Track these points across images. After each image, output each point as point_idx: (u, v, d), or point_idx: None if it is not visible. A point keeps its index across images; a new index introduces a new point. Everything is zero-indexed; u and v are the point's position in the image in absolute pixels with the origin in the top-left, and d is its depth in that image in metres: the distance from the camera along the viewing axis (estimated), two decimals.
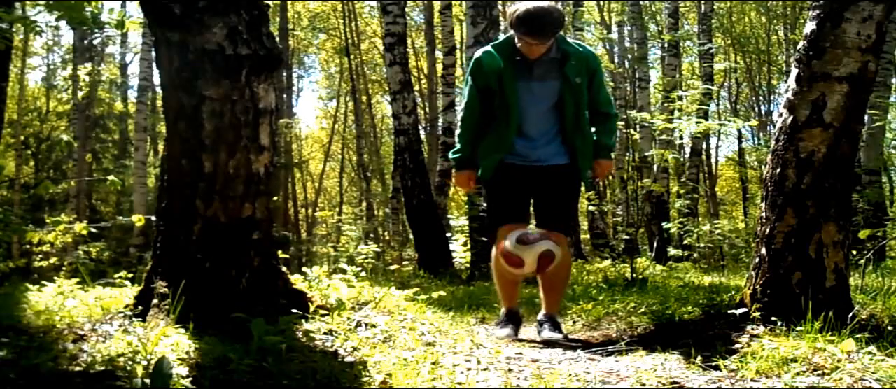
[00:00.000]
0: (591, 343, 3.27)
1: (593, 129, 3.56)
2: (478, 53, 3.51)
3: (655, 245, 9.86)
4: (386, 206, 16.71)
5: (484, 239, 7.93)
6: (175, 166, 2.64)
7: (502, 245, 3.25)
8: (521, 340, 3.38)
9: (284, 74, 19.72)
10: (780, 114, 3.07)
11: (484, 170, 3.49)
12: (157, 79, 6.21)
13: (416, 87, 17.24)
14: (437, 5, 13.87)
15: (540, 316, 3.56)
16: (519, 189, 3.44)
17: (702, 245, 10.49)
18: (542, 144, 3.41)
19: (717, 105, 20.25)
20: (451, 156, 3.66)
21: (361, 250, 9.74)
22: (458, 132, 3.62)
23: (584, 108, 3.45)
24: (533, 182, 3.42)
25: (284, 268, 2.83)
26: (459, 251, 8.88)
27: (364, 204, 21.50)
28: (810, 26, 2.96)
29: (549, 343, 3.27)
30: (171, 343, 2.15)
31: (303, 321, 2.56)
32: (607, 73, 16.92)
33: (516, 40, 3.33)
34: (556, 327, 3.46)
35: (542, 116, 3.40)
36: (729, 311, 3.12)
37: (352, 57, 19.59)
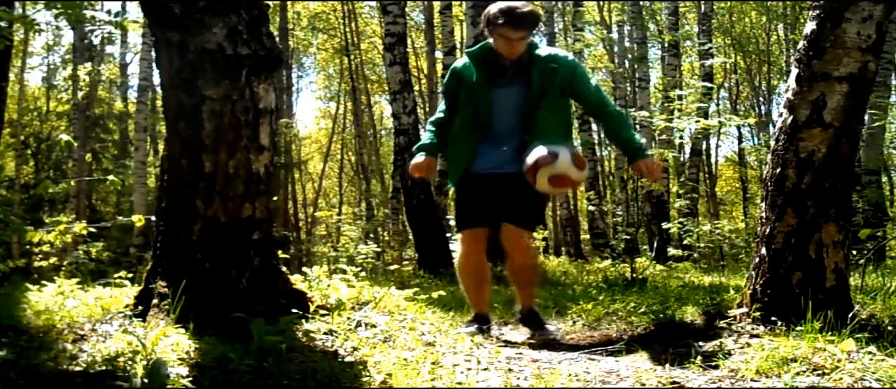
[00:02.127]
0: (591, 343, 3.27)
1: (611, 134, 3.55)
2: (455, 63, 3.59)
3: (655, 245, 9.86)
4: (386, 206, 16.70)
5: None
6: (175, 166, 2.64)
7: (541, 159, 3.18)
8: (506, 340, 3.39)
9: (284, 74, 19.72)
10: (780, 114, 3.07)
11: (452, 177, 3.56)
12: (157, 79, 6.22)
13: (416, 87, 17.23)
14: (437, 5, 13.86)
15: (519, 311, 3.61)
16: (483, 195, 3.42)
17: (702, 245, 10.50)
18: (507, 150, 3.37)
19: (717, 105, 20.26)
20: (414, 149, 3.61)
21: (361, 250, 9.73)
22: (429, 122, 3.66)
23: (556, 113, 3.39)
24: (497, 188, 3.40)
25: (284, 268, 2.83)
26: (456, 253, 8.87)
27: (364, 204, 21.50)
28: (810, 26, 2.96)
29: (546, 344, 3.28)
30: (171, 343, 2.15)
31: (303, 321, 2.56)
32: (607, 73, 16.95)
33: (494, 41, 3.34)
34: (538, 322, 3.52)
35: (511, 122, 3.39)
36: (729, 311, 3.12)
37: (351, 57, 19.59)
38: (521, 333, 3.60)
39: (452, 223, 9.75)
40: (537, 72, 3.36)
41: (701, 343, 2.79)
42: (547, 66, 3.37)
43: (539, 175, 3.16)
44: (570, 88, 3.42)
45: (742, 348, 2.61)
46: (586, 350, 2.97)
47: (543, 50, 3.47)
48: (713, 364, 2.44)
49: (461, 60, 3.55)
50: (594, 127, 16.73)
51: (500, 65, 3.39)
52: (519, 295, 3.62)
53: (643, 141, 3.74)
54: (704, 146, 17.77)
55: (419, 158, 3.49)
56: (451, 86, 3.54)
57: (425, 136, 3.61)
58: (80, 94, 15.00)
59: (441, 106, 3.64)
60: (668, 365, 2.46)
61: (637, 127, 10.46)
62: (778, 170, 2.98)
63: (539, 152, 3.18)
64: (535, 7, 3.32)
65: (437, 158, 3.67)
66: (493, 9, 3.29)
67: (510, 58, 3.36)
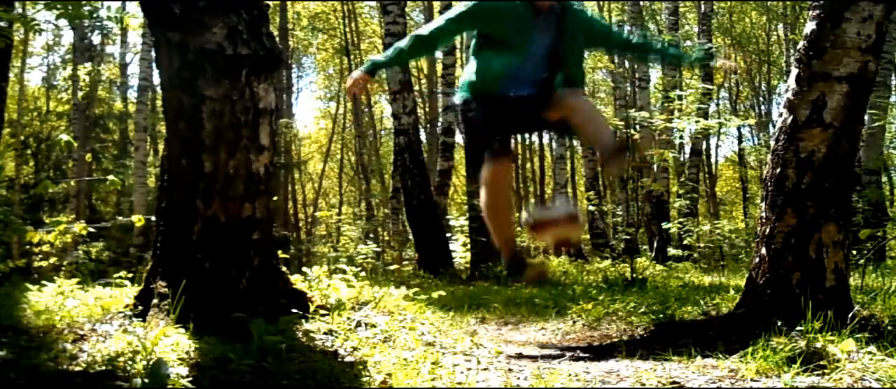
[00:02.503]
0: (591, 343, 3.27)
1: (653, 51, 3.62)
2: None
3: (655, 245, 9.86)
4: (386, 206, 16.71)
5: (483, 239, 7.94)
6: (175, 166, 2.64)
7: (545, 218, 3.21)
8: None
9: (284, 74, 19.71)
10: (780, 114, 3.07)
11: (479, 90, 3.29)
12: (157, 79, 6.21)
13: (416, 87, 17.23)
14: (437, 5, 13.87)
15: (609, 147, 3.26)
16: (504, 122, 3.29)
17: (702, 245, 10.50)
18: (528, 86, 3.30)
19: (717, 105, 20.25)
20: (370, 60, 3.41)
21: (361, 250, 9.74)
22: (400, 46, 3.39)
23: (578, 65, 3.39)
24: (517, 112, 3.31)
25: (284, 268, 2.83)
26: (459, 251, 8.89)
27: (364, 204, 21.50)
28: (810, 26, 2.96)
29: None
30: (171, 343, 2.15)
31: (303, 321, 2.56)
32: (607, 73, 16.95)
33: None
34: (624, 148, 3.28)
35: (536, 68, 3.30)
36: (729, 311, 3.12)
37: (352, 57, 19.58)
38: (522, 333, 3.60)
39: (452, 223, 9.78)
40: (568, 23, 3.29)
41: (701, 343, 2.78)
42: (574, 17, 3.33)
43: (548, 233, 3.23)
44: (592, 29, 3.42)
45: (742, 348, 2.61)
46: (586, 351, 2.97)
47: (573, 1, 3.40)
48: (713, 364, 2.44)
49: None
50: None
51: (538, 8, 3.26)
52: (596, 136, 3.30)
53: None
54: (704, 146, 17.77)
55: (365, 76, 3.30)
56: (486, 15, 3.30)
57: (389, 55, 3.40)
58: (79, 94, 15.00)
59: (436, 26, 3.38)
60: (668, 365, 2.46)
61: (638, 126, 10.46)
62: (778, 170, 2.98)
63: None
64: None
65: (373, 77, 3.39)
66: None
67: (544, 5, 3.24)
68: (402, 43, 3.39)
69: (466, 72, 3.41)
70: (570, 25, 3.31)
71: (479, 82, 3.31)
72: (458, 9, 3.35)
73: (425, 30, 3.40)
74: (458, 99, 3.39)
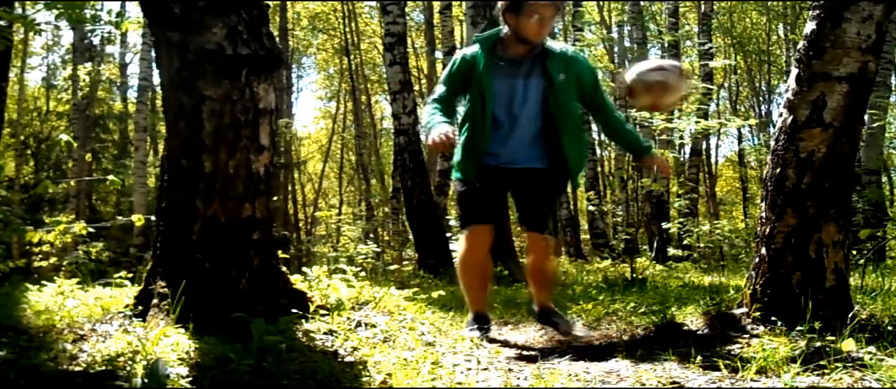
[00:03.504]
0: (591, 343, 3.27)
1: (616, 134, 3.54)
2: (464, 50, 3.41)
3: (655, 245, 9.86)
4: (386, 206, 16.71)
5: None
6: (175, 166, 2.64)
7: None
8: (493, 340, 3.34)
9: (284, 74, 19.72)
10: (780, 114, 3.07)
11: (465, 172, 3.31)
12: (157, 79, 6.21)
13: (416, 87, 17.24)
14: (437, 5, 13.87)
15: (538, 309, 3.48)
16: (494, 190, 3.30)
17: (702, 245, 10.50)
18: (520, 146, 3.25)
19: (717, 105, 20.25)
20: (426, 123, 3.27)
21: (361, 250, 9.74)
22: (430, 104, 3.36)
23: (573, 111, 3.30)
24: (510, 184, 3.31)
25: (284, 268, 2.83)
26: (458, 250, 8.87)
27: (364, 204, 21.50)
28: (810, 26, 2.96)
29: (575, 338, 3.25)
30: (171, 343, 2.15)
31: (303, 321, 2.56)
32: (607, 73, 16.92)
33: (521, 23, 3.15)
34: (558, 316, 3.43)
35: (525, 117, 3.23)
36: (729, 311, 3.12)
37: (351, 57, 19.59)
38: (522, 333, 3.60)
39: (453, 223, 9.77)
40: (557, 65, 3.21)
41: (701, 343, 2.78)
42: (565, 60, 3.25)
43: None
44: (582, 84, 3.30)
45: (742, 348, 2.61)
46: (586, 351, 2.97)
47: (552, 44, 3.34)
48: (713, 364, 2.44)
49: (471, 48, 3.36)
50: (594, 127, 16.65)
51: (510, 56, 3.23)
52: (537, 294, 3.47)
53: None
54: (704, 146, 17.77)
55: (441, 130, 3.08)
56: (462, 69, 3.30)
57: (435, 112, 3.26)
58: (79, 94, 14.99)
59: (441, 89, 3.38)
60: (668, 365, 2.46)
61: (637, 127, 10.46)
62: (778, 170, 2.98)
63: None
64: None
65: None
66: None
67: (535, 41, 3.18)
68: (437, 107, 3.31)
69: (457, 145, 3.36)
70: (561, 67, 3.21)
71: (461, 161, 3.34)
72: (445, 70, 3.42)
73: (438, 94, 3.38)
74: (454, 178, 3.46)
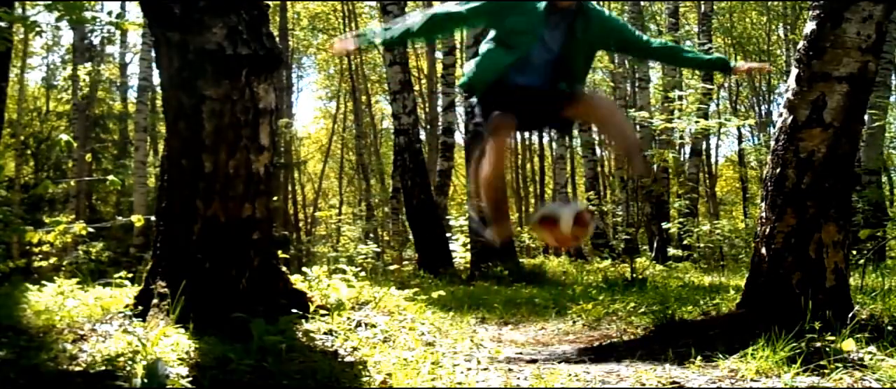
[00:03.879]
0: (591, 343, 3.27)
1: (688, 58, 3.52)
2: None
3: (655, 245, 9.86)
4: (386, 206, 16.71)
5: (483, 239, 7.93)
6: (175, 166, 2.64)
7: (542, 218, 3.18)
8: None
9: (284, 74, 19.71)
10: (780, 114, 3.07)
11: (480, 80, 3.31)
12: (157, 79, 6.21)
13: (416, 87, 17.23)
14: (436, 5, 13.85)
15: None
16: (515, 95, 3.25)
17: (702, 245, 10.49)
18: (537, 76, 3.27)
19: (717, 105, 20.25)
20: (370, 31, 3.35)
21: (361, 250, 9.74)
22: (410, 25, 3.31)
23: (588, 63, 3.36)
24: (536, 99, 3.28)
25: (284, 268, 2.83)
26: (459, 251, 8.89)
27: (364, 204, 21.50)
28: (810, 26, 2.96)
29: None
30: (171, 343, 2.15)
31: (303, 321, 2.56)
32: (607, 73, 16.96)
33: None
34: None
35: (545, 65, 3.27)
36: (729, 311, 3.12)
37: (351, 57, 19.57)
38: (522, 333, 3.60)
39: (452, 223, 9.79)
40: (579, 22, 3.24)
41: (701, 343, 2.78)
42: (592, 19, 3.28)
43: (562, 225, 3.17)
44: (623, 37, 3.35)
45: (742, 348, 2.61)
46: (586, 351, 2.97)
47: (591, 4, 3.35)
48: (713, 364, 2.44)
49: None
50: (594, 127, 16.56)
51: (555, 7, 3.23)
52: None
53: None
54: (704, 146, 17.78)
55: (354, 43, 3.32)
56: (501, 5, 3.27)
57: (397, 31, 3.31)
58: (79, 94, 14.99)
59: (456, 9, 3.31)
60: (668, 365, 2.46)
61: (638, 126, 10.46)
62: (778, 170, 2.98)
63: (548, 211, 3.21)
64: None
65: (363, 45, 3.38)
66: None
67: (563, 5, 3.19)
68: (413, 21, 3.29)
69: (470, 63, 3.39)
70: (585, 27, 3.24)
71: (480, 71, 3.29)
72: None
73: (441, 9, 3.32)
74: (458, 86, 3.37)
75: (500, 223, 3.35)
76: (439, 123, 12.88)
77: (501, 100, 3.24)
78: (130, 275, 3.59)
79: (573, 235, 3.14)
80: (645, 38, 3.45)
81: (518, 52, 3.25)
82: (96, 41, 18.02)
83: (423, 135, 14.67)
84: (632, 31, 3.45)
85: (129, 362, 2.02)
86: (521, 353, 2.87)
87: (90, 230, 5.04)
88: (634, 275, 5.62)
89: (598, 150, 17.77)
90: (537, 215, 3.25)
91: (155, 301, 2.56)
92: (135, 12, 16.46)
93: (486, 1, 3.29)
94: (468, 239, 8.45)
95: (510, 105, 3.25)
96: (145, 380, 1.88)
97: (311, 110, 58.45)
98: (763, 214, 3.05)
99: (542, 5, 3.26)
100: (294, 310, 2.60)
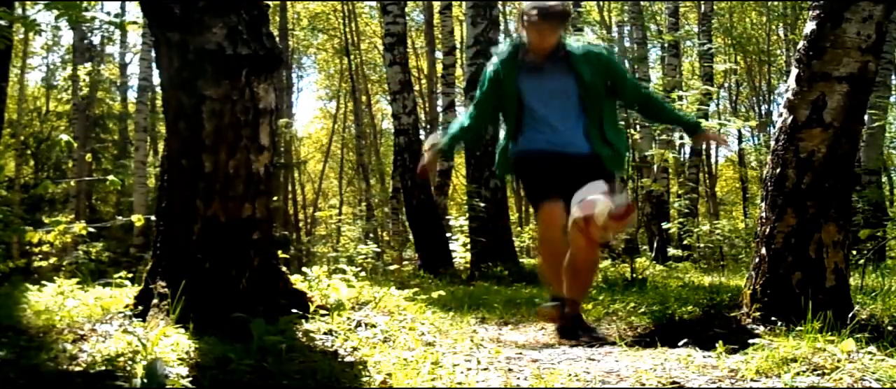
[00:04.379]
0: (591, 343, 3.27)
1: (662, 116, 3.74)
2: (488, 65, 3.62)
3: (655, 245, 9.86)
4: (386, 206, 16.71)
5: (483, 239, 7.94)
6: (175, 166, 2.64)
7: (576, 217, 3.21)
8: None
9: (284, 74, 19.72)
10: (780, 114, 3.07)
11: (499, 168, 3.66)
12: (157, 79, 6.21)
13: (416, 87, 17.23)
14: (436, 5, 13.86)
15: (564, 314, 3.40)
16: (551, 169, 3.38)
17: (702, 245, 10.49)
18: (562, 132, 3.41)
19: (717, 105, 20.25)
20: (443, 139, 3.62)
21: (361, 250, 9.74)
22: (453, 126, 3.70)
23: (606, 106, 3.47)
24: (557, 166, 3.38)
25: (284, 268, 2.83)
26: (459, 251, 8.88)
27: (364, 204, 21.50)
28: (810, 26, 2.96)
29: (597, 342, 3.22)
30: (171, 343, 2.15)
31: (303, 321, 2.56)
32: None
33: (527, 35, 3.40)
34: (585, 326, 3.41)
35: (561, 110, 3.43)
36: (729, 311, 3.12)
37: (352, 57, 19.58)
38: (522, 333, 3.59)
39: (452, 223, 9.79)
40: (577, 61, 3.42)
41: (701, 344, 2.78)
42: (586, 56, 3.45)
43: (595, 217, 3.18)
44: (611, 78, 3.48)
45: (742, 348, 2.61)
46: (586, 351, 2.96)
47: (575, 44, 3.57)
48: (713, 364, 2.44)
49: (491, 63, 3.60)
50: None
51: (530, 61, 3.46)
52: (570, 287, 3.40)
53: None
54: (704, 146, 17.75)
55: (425, 158, 3.59)
56: (488, 88, 3.54)
57: (447, 138, 3.62)
58: (79, 94, 14.99)
59: (469, 111, 3.67)
60: (667, 365, 2.46)
61: (637, 126, 10.47)
62: (778, 170, 2.98)
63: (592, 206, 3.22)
64: (566, 5, 3.45)
65: (438, 160, 3.77)
66: (525, 4, 3.39)
67: (541, 50, 3.41)
68: (451, 134, 3.64)
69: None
70: (587, 64, 3.42)
71: (500, 161, 3.64)
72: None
73: (464, 119, 3.67)
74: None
75: (558, 284, 3.44)
76: (439, 123, 12.88)
77: (537, 172, 3.46)
78: (130, 275, 3.59)
79: (604, 226, 3.15)
80: (636, 84, 3.65)
81: (516, 118, 3.49)
82: (96, 41, 18.02)
83: (423, 135, 14.66)
84: (626, 72, 3.67)
85: (129, 362, 2.02)
86: (521, 353, 2.87)
87: (90, 230, 5.04)
88: (634, 275, 5.62)
89: None
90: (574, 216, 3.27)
91: (155, 301, 2.57)
92: (135, 12, 16.48)
93: (480, 93, 3.59)
94: (468, 239, 8.45)
95: (547, 174, 3.42)
96: (145, 380, 1.88)
97: (311, 110, 58.49)
98: (763, 214, 3.05)
99: (497, 64, 3.52)
100: (294, 310, 2.60)
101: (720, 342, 2.73)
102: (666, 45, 13.39)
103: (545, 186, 3.38)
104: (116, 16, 5.07)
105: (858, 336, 2.53)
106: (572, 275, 3.36)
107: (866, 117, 6.04)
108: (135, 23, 5.54)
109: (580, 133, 3.40)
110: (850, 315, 2.81)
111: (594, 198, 3.13)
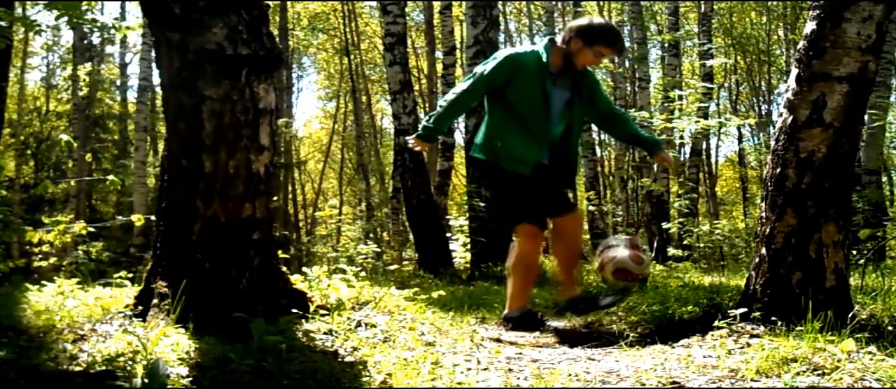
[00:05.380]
0: (591, 343, 3.27)
1: (630, 137, 4.00)
2: (512, 51, 3.71)
3: (655, 245, 9.86)
4: (386, 206, 16.71)
5: (483, 239, 7.94)
6: (175, 166, 2.64)
7: (604, 257, 3.55)
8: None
9: (284, 74, 19.72)
10: (780, 114, 3.07)
11: (521, 166, 3.58)
12: (157, 79, 6.20)
13: (416, 87, 17.24)
14: (437, 5, 13.86)
15: (568, 300, 3.79)
16: (547, 189, 3.63)
17: (702, 245, 10.49)
18: (555, 145, 3.67)
19: (717, 105, 20.24)
20: (423, 123, 3.73)
21: (361, 250, 9.73)
22: (441, 106, 3.69)
23: (580, 117, 3.74)
24: (552, 180, 3.66)
25: (284, 268, 2.83)
26: (459, 251, 8.88)
27: (364, 204, 21.50)
28: (810, 26, 2.96)
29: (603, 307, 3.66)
30: (171, 343, 2.15)
31: (303, 321, 2.56)
32: (607, 73, 16.97)
33: (581, 52, 3.55)
34: (591, 299, 3.80)
35: (561, 121, 3.66)
36: (729, 311, 3.12)
37: (352, 57, 19.58)
38: (521, 334, 3.59)
39: (452, 223, 9.79)
40: (585, 82, 3.69)
41: (701, 343, 2.78)
42: (589, 76, 3.72)
43: (607, 268, 3.52)
44: (591, 94, 3.75)
45: (742, 348, 2.61)
46: (586, 350, 2.97)
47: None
48: (713, 364, 2.44)
49: (522, 49, 3.71)
50: (594, 127, 16.54)
51: (555, 67, 3.62)
52: (566, 282, 3.78)
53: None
54: (704, 146, 17.76)
55: (426, 142, 3.75)
56: (505, 74, 3.59)
57: (437, 120, 3.67)
58: (79, 94, 14.99)
59: (469, 84, 3.63)
60: (668, 365, 2.46)
61: (637, 126, 10.45)
62: (778, 170, 2.98)
63: (615, 253, 3.81)
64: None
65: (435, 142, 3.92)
66: (590, 25, 3.55)
67: (581, 67, 3.62)
68: (445, 108, 3.67)
69: (483, 134, 3.73)
70: (584, 82, 3.68)
71: (517, 165, 3.61)
72: (490, 64, 3.64)
73: (460, 93, 3.66)
74: (478, 154, 3.73)
75: (528, 299, 3.80)
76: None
77: (538, 191, 3.60)
78: (130, 275, 3.60)
79: (639, 273, 3.48)
80: (609, 101, 3.94)
81: (527, 116, 3.57)
82: (96, 41, 18.02)
83: None
84: (603, 90, 3.90)
85: (130, 362, 2.02)
86: (521, 353, 2.87)
87: (90, 230, 5.04)
88: None
89: (598, 150, 17.78)
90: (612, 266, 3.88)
91: (155, 301, 2.57)
92: (135, 13, 16.48)
93: (492, 73, 3.61)
94: (468, 239, 8.44)
95: (544, 196, 3.63)
96: (145, 380, 1.88)
97: (311, 110, 58.49)
98: (763, 214, 3.05)
99: (534, 59, 3.62)
100: (294, 310, 2.60)
101: (720, 342, 2.74)
102: (666, 44, 13.38)
103: (539, 206, 3.62)
104: (116, 20, 5.07)
105: (858, 336, 2.53)
106: (569, 271, 3.77)
107: (866, 117, 6.04)
108: (131, 29, 5.53)
109: (569, 143, 3.69)
110: (850, 315, 2.81)
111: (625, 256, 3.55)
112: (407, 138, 3.89)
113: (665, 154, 3.96)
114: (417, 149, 3.79)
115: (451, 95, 3.66)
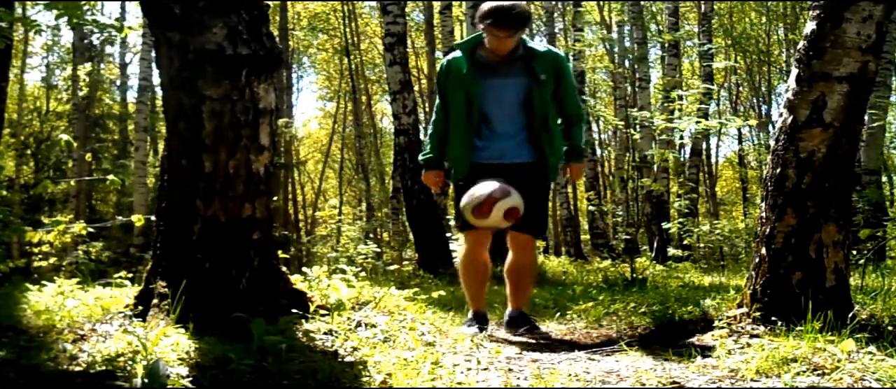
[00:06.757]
0: (591, 343, 3.27)
1: (563, 132, 3.55)
2: (445, 58, 3.60)
3: (655, 245, 9.86)
4: (386, 206, 16.70)
5: None
6: (175, 166, 2.64)
7: (483, 203, 3.20)
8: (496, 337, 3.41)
9: (284, 74, 19.71)
10: (780, 114, 3.07)
11: (457, 171, 3.47)
12: (157, 79, 6.20)
13: (416, 87, 17.23)
14: (436, 5, 13.87)
15: (509, 313, 3.61)
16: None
17: (702, 245, 10.49)
18: (507, 142, 3.40)
19: (717, 105, 20.25)
20: (420, 157, 3.67)
21: (361, 250, 9.73)
22: (428, 133, 3.63)
23: (550, 107, 3.43)
24: (504, 179, 3.36)
25: (284, 268, 2.83)
26: (459, 251, 8.88)
27: (364, 204, 21.50)
28: (810, 26, 2.96)
29: (543, 340, 3.36)
30: (171, 343, 2.15)
31: (303, 321, 2.56)
32: (607, 73, 16.98)
33: (484, 37, 3.37)
34: (528, 320, 3.55)
35: (508, 114, 3.40)
36: (729, 311, 3.12)
37: (351, 57, 19.58)
38: (520, 335, 3.59)
39: (452, 223, 9.79)
40: (539, 64, 3.38)
41: (701, 344, 2.79)
42: (548, 58, 3.41)
43: (495, 208, 3.17)
44: (560, 83, 3.45)
45: (742, 348, 2.61)
46: (586, 350, 2.97)
47: (537, 45, 3.52)
48: (713, 364, 2.44)
49: (452, 53, 3.55)
50: (594, 127, 16.64)
51: (489, 59, 3.41)
52: (513, 296, 3.61)
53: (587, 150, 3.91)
54: (704, 146, 17.78)
55: (430, 173, 3.58)
56: (440, 80, 3.54)
57: (429, 146, 3.58)
58: (79, 94, 15.00)
59: (437, 107, 3.59)
60: (668, 365, 2.46)
61: (638, 126, 10.46)
62: (778, 170, 2.98)
63: (490, 187, 3.20)
64: (525, 6, 3.34)
65: (444, 169, 3.66)
66: (484, 7, 3.31)
67: (498, 53, 3.36)
68: (431, 143, 3.58)
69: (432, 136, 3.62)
70: (542, 65, 3.37)
71: (455, 169, 3.50)
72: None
73: (435, 122, 3.58)
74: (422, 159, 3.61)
75: (475, 301, 3.61)
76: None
77: (460, 196, 3.38)
78: (130, 275, 3.59)
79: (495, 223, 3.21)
80: (572, 101, 3.53)
81: (466, 117, 3.39)
82: (96, 41, 18.02)
83: (422, 135, 14.66)
84: (572, 87, 3.54)
85: (130, 362, 2.02)
86: (521, 353, 2.87)
87: (90, 230, 5.04)
88: (634, 275, 5.62)
89: (598, 150, 17.78)
90: (487, 190, 3.22)
91: (155, 301, 2.57)
92: (135, 13, 16.49)
93: (438, 85, 3.56)
94: None
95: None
96: (145, 380, 1.88)
97: (311, 110, 58.48)
98: (763, 214, 3.05)
99: (459, 57, 3.44)
100: (294, 310, 2.60)
101: (720, 342, 2.74)
102: (666, 44, 13.38)
103: None
104: (117, 20, 5.08)
105: (858, 336, 2.53)
106: (517, 286, 3.59)
107: (866, 117, 6.04)
108: (131, 29, 5.53)
109: (528, 139, 3.40)
110: (850, 315, 2.81)
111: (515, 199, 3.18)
112: (421, 180, 3.70)
113: (575, 166, 3.59)
114: (435, 185, 3.65)
115: (432, 118, 3.63)
